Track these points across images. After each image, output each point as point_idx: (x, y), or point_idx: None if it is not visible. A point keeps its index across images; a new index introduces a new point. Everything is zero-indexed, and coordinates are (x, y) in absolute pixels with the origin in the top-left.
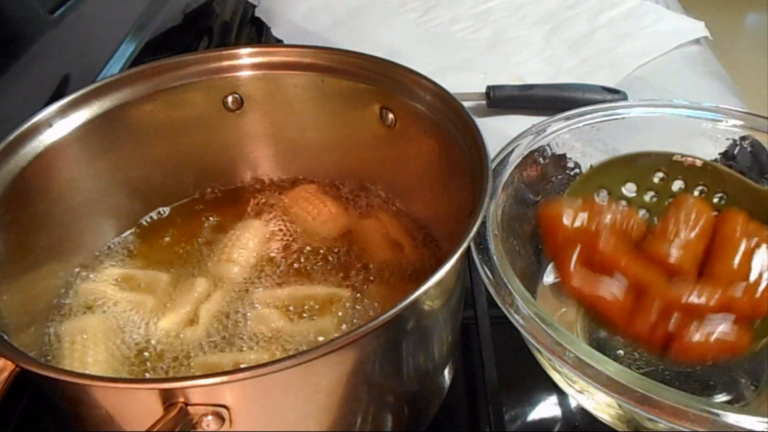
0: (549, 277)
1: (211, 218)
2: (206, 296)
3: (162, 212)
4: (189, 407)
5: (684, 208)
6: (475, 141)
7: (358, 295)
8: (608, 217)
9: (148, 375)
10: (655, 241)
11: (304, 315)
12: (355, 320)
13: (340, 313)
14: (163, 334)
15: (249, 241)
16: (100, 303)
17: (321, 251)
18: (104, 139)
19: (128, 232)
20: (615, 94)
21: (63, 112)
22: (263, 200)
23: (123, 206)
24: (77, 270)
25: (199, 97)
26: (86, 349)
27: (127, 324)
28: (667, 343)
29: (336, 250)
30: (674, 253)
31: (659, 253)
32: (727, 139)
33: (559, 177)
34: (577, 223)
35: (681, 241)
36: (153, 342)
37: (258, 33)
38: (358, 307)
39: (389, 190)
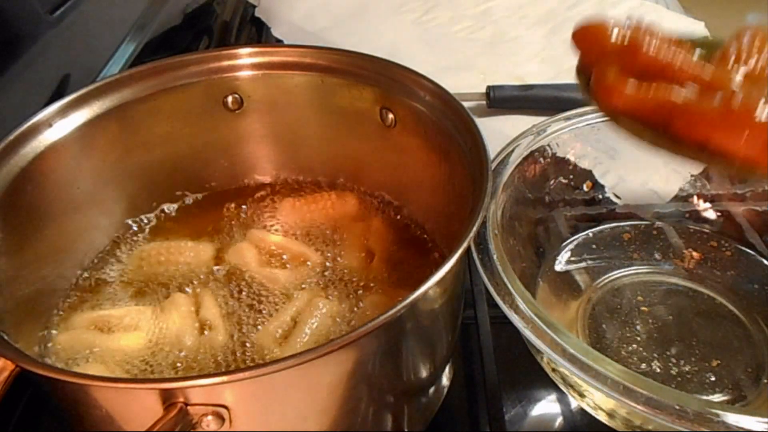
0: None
1: (210, 219)
2: (197, 306)
3: (161, 213)
4: (189, 407)
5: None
6: (475, 141)
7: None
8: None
9: None
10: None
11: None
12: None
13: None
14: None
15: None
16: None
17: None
18: (104, 139)
19: (128, 232)
20: None
21: (63, 112)
22: (263, 200)
23: (123, 206)
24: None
25: (199, 97)
26: None
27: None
28: None
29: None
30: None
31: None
32: None
33: (560, 178)
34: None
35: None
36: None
37: (258, 33)
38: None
39: (389, 190)
